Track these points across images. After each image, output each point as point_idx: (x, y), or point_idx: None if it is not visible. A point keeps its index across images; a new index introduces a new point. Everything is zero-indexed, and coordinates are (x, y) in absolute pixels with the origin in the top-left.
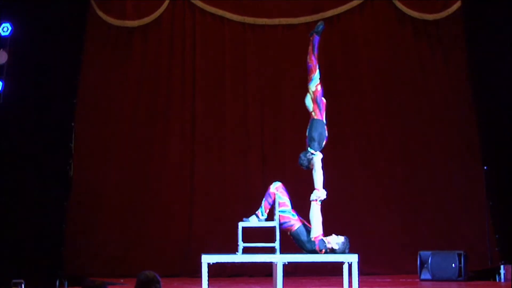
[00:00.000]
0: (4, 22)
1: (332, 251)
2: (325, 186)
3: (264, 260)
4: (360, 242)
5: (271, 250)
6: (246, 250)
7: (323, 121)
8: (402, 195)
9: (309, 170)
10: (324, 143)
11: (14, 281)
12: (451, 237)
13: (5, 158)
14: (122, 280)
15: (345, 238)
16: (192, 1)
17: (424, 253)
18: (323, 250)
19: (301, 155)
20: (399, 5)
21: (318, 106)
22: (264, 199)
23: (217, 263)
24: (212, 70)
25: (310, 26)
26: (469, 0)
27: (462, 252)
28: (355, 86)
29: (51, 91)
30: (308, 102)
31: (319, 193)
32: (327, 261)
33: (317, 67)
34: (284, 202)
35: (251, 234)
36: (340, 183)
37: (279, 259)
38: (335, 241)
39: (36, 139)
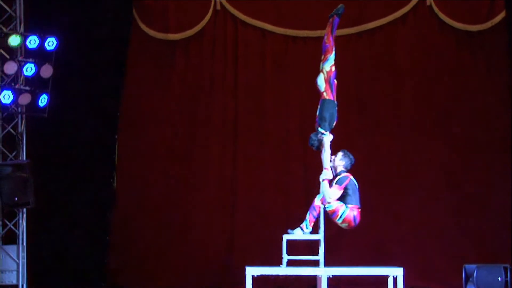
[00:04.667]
0: (50, 37)
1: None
2: (367, 202)
3: (309, 273)
4: (404, 255)
5: (315, 263)
6: (290, 263)
7: (334, 101)
8: (446, 207)
9: (319, 151)
10: (334, 123)
11: None
12: (497, 250)
13: (50, 171)
14: None
15: (341, 151)
16: (234, 13)
17: (469, 267)
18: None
19: (312, 135)
20: (442, 16)
21: (330, 87)
22: (308, 212)
23: (261, 275)
24: (253, 82)
25: (351, 38)
26: None
27: (508, 265)
28: (398, 97)
29: (95, 105)
30: (321, 82)
31: (328, 173)
32: (372, 274)
33: (334, 48)
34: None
35: (295, 246)
36: (381, 197)
37: (324, 272)
38: (338, 163)
39: (80, 152)
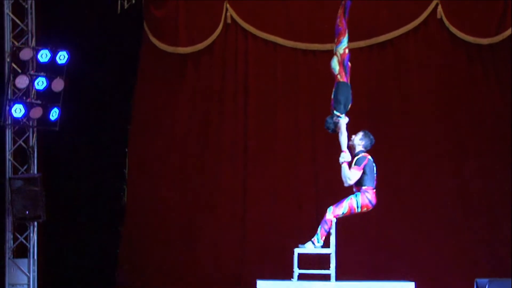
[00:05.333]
0: (61, 51)
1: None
2: (379, 211)
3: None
4: (415, 268)
5: (326, 277)
6: (301, 277)
7: (348, 84)
8: (457, 220)
9: (335, 133)
10: (349, 106)
11: None
12: (510, 263)
13: (61, 185)
14: None
15: (362, 131)
16: (245, 27)
17: (481, 281)
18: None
19: (328, 118)
20: (453, 29)
21: (345, 69)
22: (320, 225)
23: None
24: (264, 95)
25: (363, 51)
26: None
27: None
28: (409, 110)
29: (106, 118)
30: (334, 64)
31: (346, 155)
32: None
33: (347, 31)
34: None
35: (306, 259)
36: (393, 208)
37: (335, 287)
38: (357, 142)
39: (91, 165)
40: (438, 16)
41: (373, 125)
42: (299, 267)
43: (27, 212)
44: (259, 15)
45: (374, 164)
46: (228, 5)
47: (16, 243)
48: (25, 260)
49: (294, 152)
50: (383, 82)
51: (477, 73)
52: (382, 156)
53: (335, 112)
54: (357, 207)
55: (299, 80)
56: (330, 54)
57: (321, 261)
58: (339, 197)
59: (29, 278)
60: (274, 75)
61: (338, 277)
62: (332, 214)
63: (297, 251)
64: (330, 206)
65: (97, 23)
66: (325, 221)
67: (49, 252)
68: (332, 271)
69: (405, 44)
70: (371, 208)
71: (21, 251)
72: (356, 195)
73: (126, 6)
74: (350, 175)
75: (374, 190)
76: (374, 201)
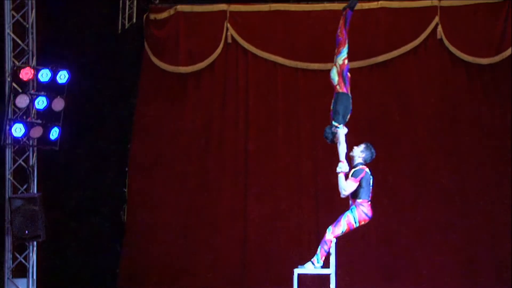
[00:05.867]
0: (62, 70)
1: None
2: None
3: None
4: (415, 279)
5: None
6: None
7: (348, 94)
8: (459, 233)
9: (334, 144)
10: (348, 116)
11: None
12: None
13: (61, 204)
14: None
15: (364, 143)
16: (245, 46)
17: None
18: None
19: (326, 128)
20: (453, 49)
21: (344, 80)
22: (320, 246)
23: None
24: (265, 115)
25: (362, 70)
26: None
27: None
28: (409, 130)
29: (106, 138)
30: (334, 75)
31: (344, 166)
32: None
33: (347, 41)
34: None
35: (306, 280)
36: (394, 220)
37: None
38: (357, 153)
39: (91, 185)
40: (438, 36)
41: (373, 143)
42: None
43: (26, 232)
44: (260, 35)
45: (371, 177)
46: (228, 25)
47: (16, 262)
48: (25, 280)
49: (295, 170)
50: (384, 102)
51: (478, 92)
52: (384, 173)
53: (333, 122)
54: (355, 223)
55: (299, 99)
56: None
57: (322, 281)
58: (339, 209)
59: None
60: (275, 94)
61: None
62: (332, 234)
63: (296, 271)
64: (329, 226)
65: (97, 42)
66: (325, 242)
67: (49, 271)
68: None
69: (405, 64)
70: (368, 221)
71: (21, 271)
72: (351, 211)
73: (127, 25)
74: (346, 186)
75: (370, 203)
76: (370, 214)
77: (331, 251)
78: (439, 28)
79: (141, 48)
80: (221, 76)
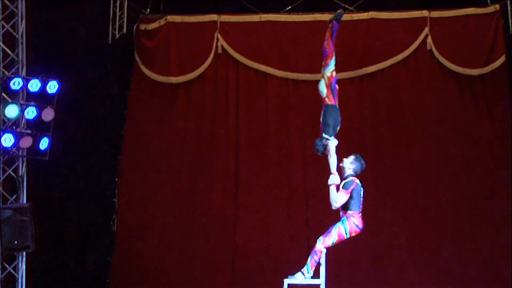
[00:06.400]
0: (51, 80)
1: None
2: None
3: None
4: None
5: None
6: None
7: (337, 106)
8: (451, 245)
9: (324, 156)
10: (338, 128)
11: None
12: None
13: (51, 214)
14: None
15: (354, 155)
16: (235, 57)
17: None
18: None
19: (317, 141)
20: (443, 60)
21: (332, 92)
22: (310, 256)
23: None
24: (255, 125)
25: (353, 81)
26: None
27: None
28: (399, 139)
29: (96, 148)
30: (322, 87)
31: (335, 178)
32: None
33: (334, 53)
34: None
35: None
36: (383, 234)
37: None
38: (347, 165)
39: (80, 195)
40: (428, 47)
41: (364, 154)
42: None
43: (15, 242)
44: (250, 45)
45: (362, 189)
46: (219, 35)
47: (5, 273)
48: None
49: (285, 178)
50: (374, 111)
51: (468, 102)
52: (374, 184)
53: (324, 134)
54: (346, 234)
55: (290, 109)
56: None
57: None
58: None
59: None
60: (265, 104)
61: None
62: (322, 244)
63: (286, 281)
64: (320, 236)
65: (88, 52)
66: (315, 252)
67: (38, 282)
68: None
69: (395, 74)
70: (359, 232)
71: (10, 282)
72: (342, 222)
73: (117, 36)
74: (337, 198)
75: (360, 214)
76: (361, 225)
77: (321, 261)
78: (429, 39)
79: (131, 58)
80: (211, 86)
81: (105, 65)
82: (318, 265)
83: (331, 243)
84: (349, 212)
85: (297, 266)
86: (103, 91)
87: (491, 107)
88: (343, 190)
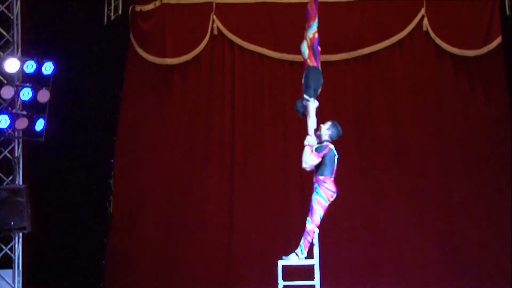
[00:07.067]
0: (47, 62)
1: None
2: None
3: None
4: (400, 277)
5: None
6: None
7: (318, 68)
8: (445, 231)
9: (304, 116)
10: (320, 90)
11: None
12: (496, 276)
13: (47, 195)
14: None
15: (331, 121)
16: (231, 38)
17: None
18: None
19: (297, 102)
20: (439, 41)
21: (314, 54)
22: (303, 237)
23: None
24: (251, 106)
25: (348, 63)
26: (510, 36)
27: None
28: (395, 122)
29: (92, 129)
30: (304, 49)
31: (311, 139)
32: None
33: (317, 15)
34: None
35: (290, 271)
36: (378, 216)
37: None
38: (324, 131)
39: (77, 176)
40: (424, 29)
41: (359, 135)
42: (284, 279)
43: (12, 223)
44: (246, 27)
45: (336, 155)
46: (214, 17)
47: (1, 254)
48: (10, 271)
49: (281, 159)
50: (369, 94)
51: (463, 84)
52: (368, 165)
53: (305, 96)
54: (325, 201)
55: (286, 90)
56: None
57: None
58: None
59: None
60: (261, 85)
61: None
62: (313, 223)
63: (281, 263)
64: (307, 217)
65: (83, 34)
66: (307, 233)
67: (34, 263)
68: (316, 282)
69: (391, 56)
70: (336, 196)
71: (6, 262)
72: (317, 192)
73: (112, 17)
74: (308, 159)
75: (332, 180)
76: (334, 189)
77: (314, 241)
78: (425, 20)
79: (127, 40)
80: (207, 68)
81: (101, 46)
82: (312, 245)
83: (319, 217)
84: (321, 177)
85: (293, 247)
86: (99, 73)
87: (487, 88)
88: (315, 153)
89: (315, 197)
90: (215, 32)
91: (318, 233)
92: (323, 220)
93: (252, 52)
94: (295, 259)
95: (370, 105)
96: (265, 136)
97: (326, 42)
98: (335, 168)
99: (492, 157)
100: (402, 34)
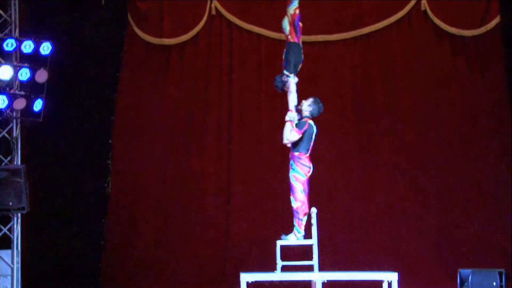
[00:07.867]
0: (45, 42)
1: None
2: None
3: (303, 279)
4: (398, 259)
5: (309, 268)
6: (284, 268)
7: (299, 44)
8: (441, 210)
9: (284, 92)
10: (300, 66)
11: None
12: (492, 254)
13: (45, 176)
14: None
15: (312, 97)
16: (229, 18)
17: (464, 271)
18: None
19: (277, 77)
20: (437, 21)
21: (295, 30)
22: (294, 217)
23: (255, 281)
24: (248, 87)
25: (346, 43)
26: (508, 16)
27: (503, 270)
28: (393, 101)
29: (89, 109)
30: (285, 25)
31: (292, 115)
32: (366, 279)
33: None
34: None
35: (289, 251)
36: (376, 198)
37: (318, 277)
38: (305, 107)
39: (74, 157)
40: (422, 8)
41: (357, 115)
42: (283, 259)
43: (10, 204)
44: (244, 7)
45: (314, 131)
46: None
47: (0, 234)
48: (9, 251)
49: (278, 141)
50: (367, 73)
51: (461, 64)
52: (367, 145)
53: (285, 71)
54: (303, 176)
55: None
56: (314, 46)
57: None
58: (324, 187)
59: (12, 269)
60: (258, 65)
61: (322, 268)
62: (296, 201)
63: (279, 243)
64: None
65: (81, 14)
66: (295, 211)
67: (33, 243)
68: (315, 261)
69: (389, 36)
70: (312, 171)
71: (5, 243)
72: (293, 169)
73: None
74: (289, 136)
75: (308, 156)
76: (309, 164)
77: (312, 221)
78: (424, 0)
79: (124, 20)
80: (205, 48)
81: (99, 26)
82: (310, 225)
83: (301, 193)
84: (296, 153)
85: (291, 227)
86: (96, 53)
87: (485, 68)
88: (296, 129)
89: (292, 174)
90: (213, 12)
91: (316, 213)
92: (322, 202)
93: (250, 32)
94: (293, 239)
95: (368, 84)
96: (262, 115)
97: (325, 22)
98: (311, 144)
99: (489, 136)
100: (400, 14)
